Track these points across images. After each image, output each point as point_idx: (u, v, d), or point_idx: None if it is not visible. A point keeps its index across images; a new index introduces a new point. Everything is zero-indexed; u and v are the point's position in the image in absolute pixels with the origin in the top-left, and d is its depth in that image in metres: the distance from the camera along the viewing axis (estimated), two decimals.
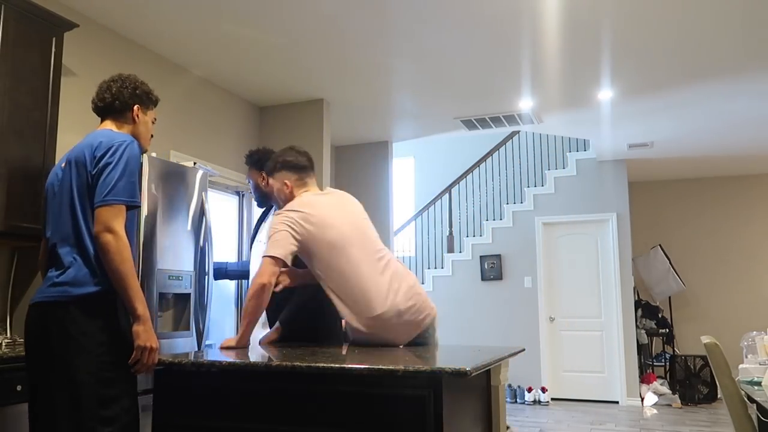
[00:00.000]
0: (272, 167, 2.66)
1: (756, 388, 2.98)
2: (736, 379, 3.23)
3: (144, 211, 2.91)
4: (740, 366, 3.36)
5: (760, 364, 3.31)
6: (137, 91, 2.23)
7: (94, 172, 2.02)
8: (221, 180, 4.87)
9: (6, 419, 2.37)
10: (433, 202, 8.62)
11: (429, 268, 8.95)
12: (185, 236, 3.15)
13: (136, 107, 2.23)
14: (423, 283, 8.31)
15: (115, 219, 1.97)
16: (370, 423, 1.72)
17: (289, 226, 2.39)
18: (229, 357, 2.00)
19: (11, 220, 2.76)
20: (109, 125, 2.20)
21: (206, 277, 3.31)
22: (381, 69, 4.67)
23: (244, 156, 3.07)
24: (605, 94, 5.23)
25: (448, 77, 4.86)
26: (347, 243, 2.41)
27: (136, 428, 2.01)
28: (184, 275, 3.11)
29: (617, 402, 7.21)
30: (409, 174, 10.01)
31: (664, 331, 7.85)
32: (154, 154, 3.04)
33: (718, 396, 7.27)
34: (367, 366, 1.72)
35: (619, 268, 7.38)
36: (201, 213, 3.27)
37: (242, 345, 2.35)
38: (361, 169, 6.66)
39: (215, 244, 3.67)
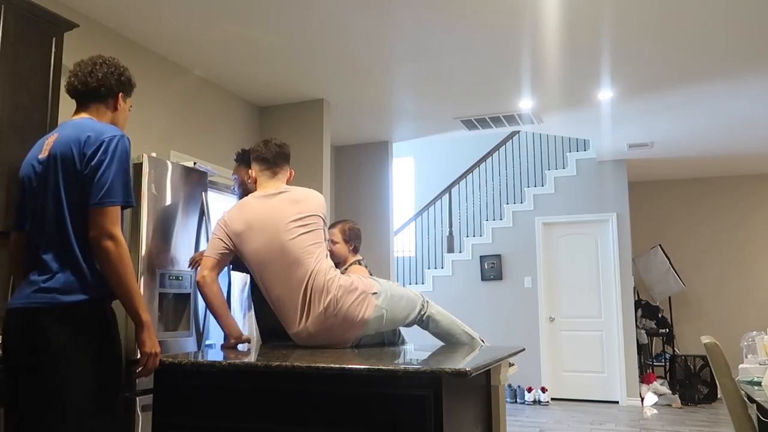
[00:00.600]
0: (249, 159, 2.74)
1: (756, 388, 2.98)
2: (736, 379, 3.23)
3: (144, 211, 2.91)
4: (740, 366, 3.36)
5: (760, 364, 3.31)
6: (122, 78, 2.10)
7: (85, 171, 1.90)
8: (221, 180, 4.86)
9: None
10: (433, 202, 8.62)
11: (429, 268, 8.95)
12: (185, 237, 3.15)
13: (120, 95, 2.10)
14: (423, 283, 8.32)
15: (114, 222, 1.88)
16: (370, 423, 1.72)
17: (216, 233, 2.52)
18: (229, 357, 2.00)
19: (11, 220, 2.76)
20: (89, 113, 2.06)
21: None
22: (381, 69, 4.67)
23: (235, 153, 3.08)
24: (605, 94, 5.23)
25: (448, 77, 4.86)
26: (261, 259, 2.44)
27: None
28: (184, 275, 3.11)
29: (617, 402, 7.21)
30: (409, 174, 10.01)
31: (664, 331, 7.85)
32: (154, 154, 3.04)
33: (718, 396, 7.27)
34: (367, 366, 1.71)
35: (619, 268, 7.38)
36: (201, 213, 3.27)
37: (235, 337, 2.48)
38: (361, 169, 6.66)
39: None
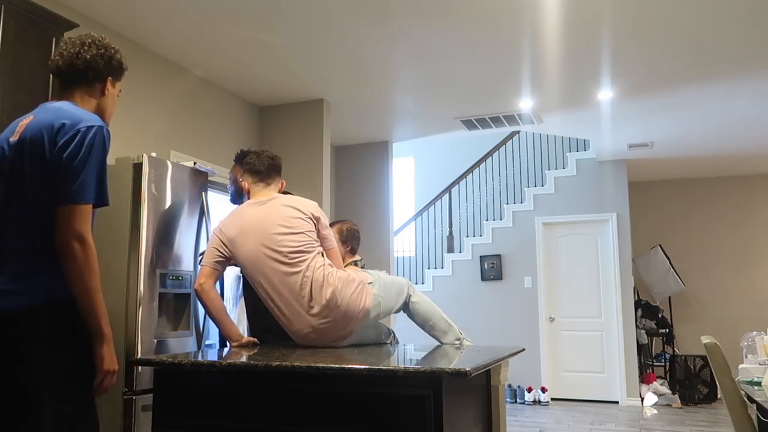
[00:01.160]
0: (243, 167, 2.83)
1: (756, 388, 2.98)
2: (736, 379, 3.23)
3: (144, 211, 2.91)
4: (740, 366, 3.36)
5: (760, 364, 3.32)
6: (112, 61, 1.90)
7: (56, 162, 1.69)
8: (221, 180, 4.86)
9: None
10: (433, 202, 8.62)
11: (429, 268, 8.95)
12: (185, 237, 3.15)
13: (108, 79, 1.91)
14: (423, 283, 8.32)
15: (84, 223, 1.68)
16: (371, 423, 1.72)
17: (212, 242, 2.60)
18: (231, 357, 2.00)
19: None
20: (73, 98, 1.86)
21: None
22: (381, 69, 4.67)
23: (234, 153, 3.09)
24: (605, 94, 5.23)
25: (448, 77, 4.86)
26: (255, 262, 2.49)
27: None
28: (184, 276, 3.11)
29: (617, 402, 7.21)
30: (409, 174, 10.01)
31: (664, 331, 7.85)
32: (154, 154, 3.04)
33: (718, 396, 7.27)
34: (367, 366, 1.71)
35: (619, 268, 7.38)
36: (201, 213, 3.27)
37: (236, 340, 2.54)
38: (361, 169, 6.66)
39: None
